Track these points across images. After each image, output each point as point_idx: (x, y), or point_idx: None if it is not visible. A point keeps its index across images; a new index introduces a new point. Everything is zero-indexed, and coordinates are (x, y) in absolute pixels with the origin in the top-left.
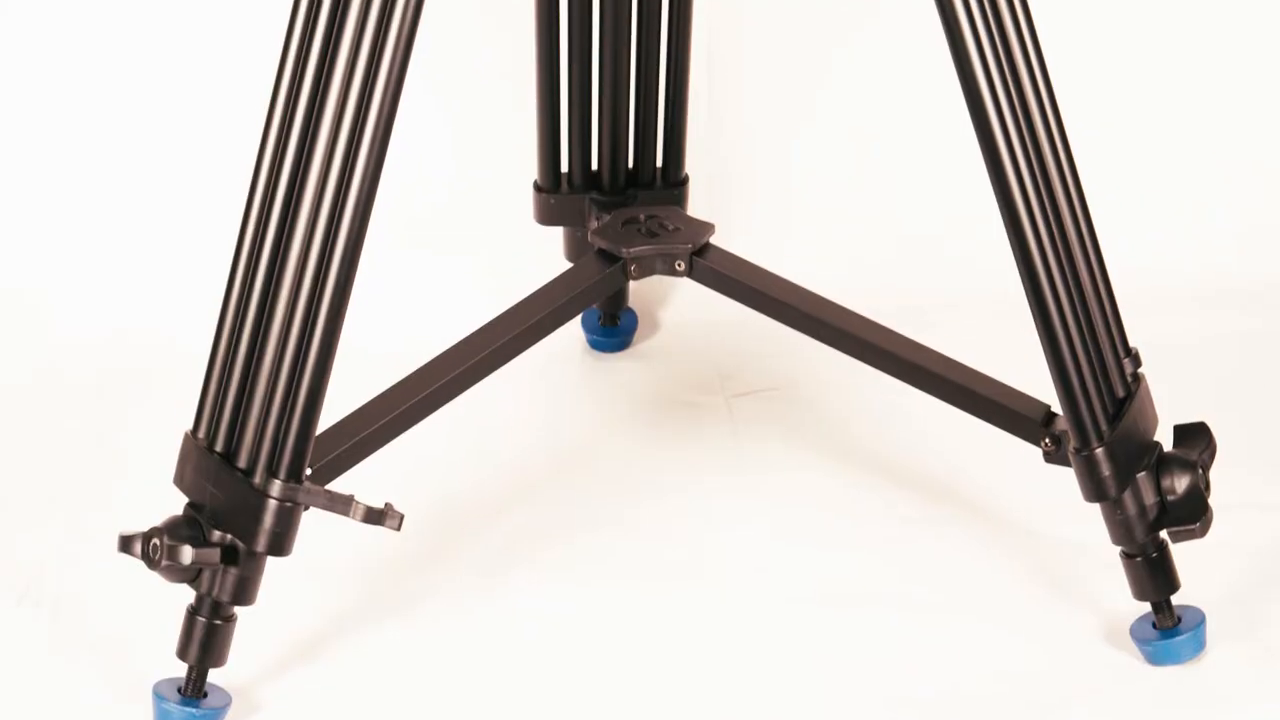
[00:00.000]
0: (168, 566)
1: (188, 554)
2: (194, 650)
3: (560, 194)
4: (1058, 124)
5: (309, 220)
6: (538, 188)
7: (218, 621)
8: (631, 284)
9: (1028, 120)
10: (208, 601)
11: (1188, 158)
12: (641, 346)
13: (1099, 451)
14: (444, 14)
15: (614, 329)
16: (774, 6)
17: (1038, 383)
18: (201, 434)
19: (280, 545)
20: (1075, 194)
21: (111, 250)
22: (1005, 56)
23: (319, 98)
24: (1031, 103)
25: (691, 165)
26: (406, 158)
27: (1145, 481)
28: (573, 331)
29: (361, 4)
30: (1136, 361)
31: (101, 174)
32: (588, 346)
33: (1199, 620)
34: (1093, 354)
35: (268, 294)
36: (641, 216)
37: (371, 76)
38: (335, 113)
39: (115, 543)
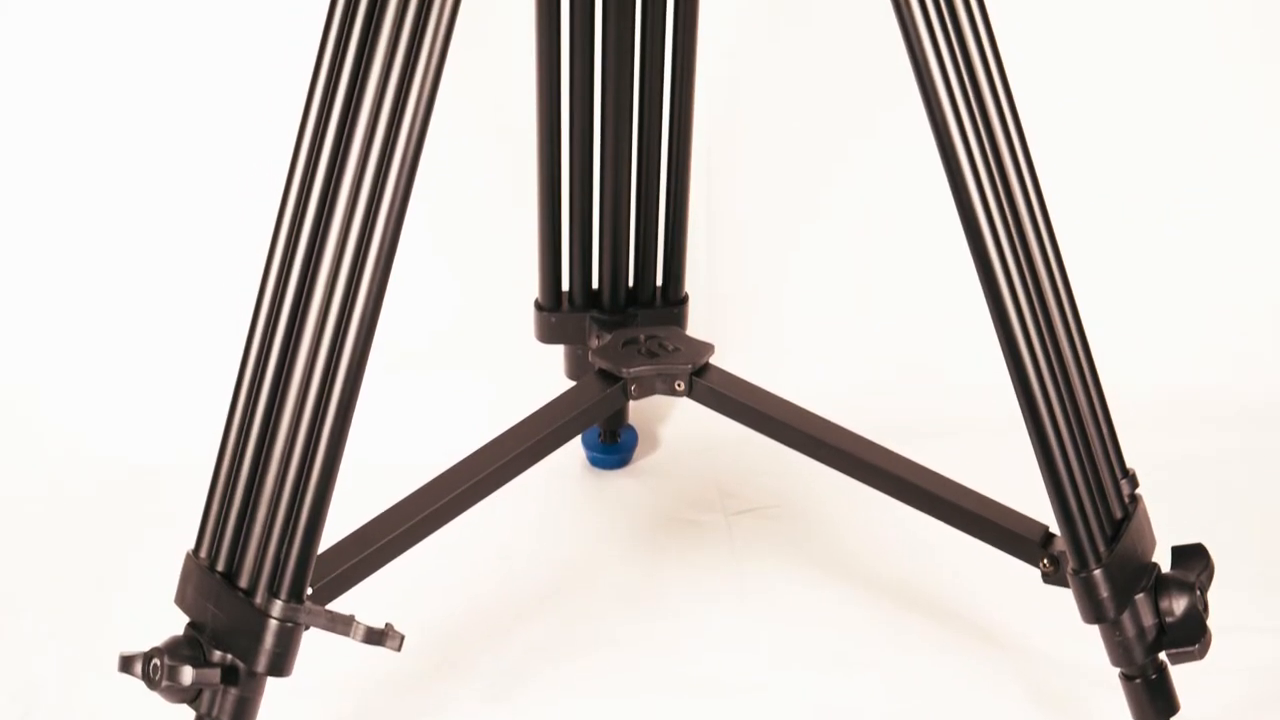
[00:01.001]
0: (168, 687)
1: (188, 674)
2: None
3: (561, 312)
4: (1054, 248)
5: (312, 343)
6: (539, 306)
7: None
8: (632, 402)
9: (1024, 246)
10: None
11: (1187, 275)
12: (642, 464)
13: (1097, 573)
14: (448, 135)
15: (614, 446)
16: (772, 129)
17: (1036, 503)
18: (203, 554)
19: (281, 666)
20: (1071, 318)
21: (114, 369)
22: (1001, 183)
23: (324, 219)
24: (1028, 228)
25: (691, 284)
26: (409, 276)
27: (1144, 603)
28: (573, 448)
29: (367, 126)
30: (1134, 483)
31: (107, 291)
32: (588, 463)
33: None
34: (1090, 476)
35: (270, 415)
36: (642, 337)
37: (375, 200)
38: (340, 235)
39: (116, 662)
